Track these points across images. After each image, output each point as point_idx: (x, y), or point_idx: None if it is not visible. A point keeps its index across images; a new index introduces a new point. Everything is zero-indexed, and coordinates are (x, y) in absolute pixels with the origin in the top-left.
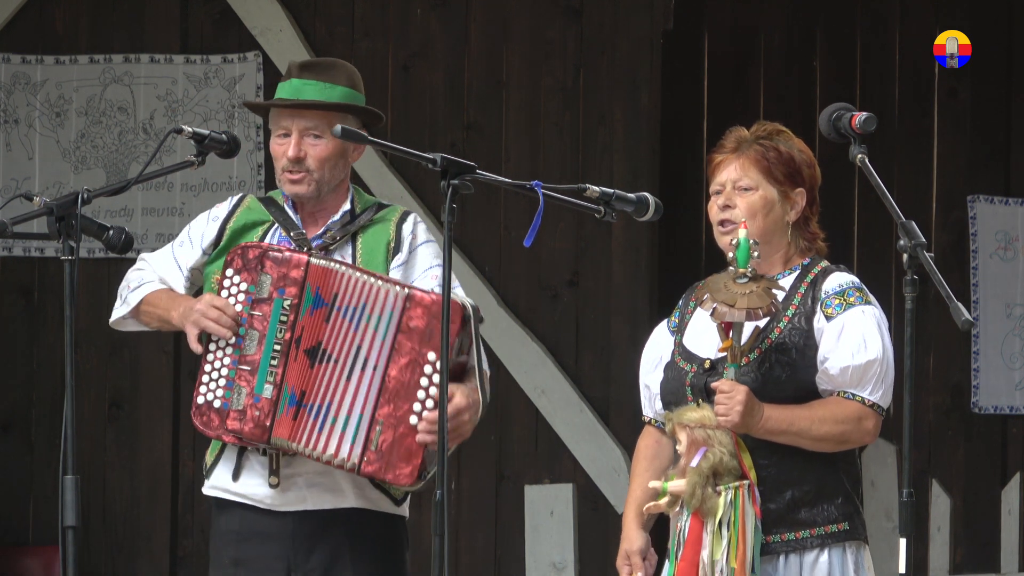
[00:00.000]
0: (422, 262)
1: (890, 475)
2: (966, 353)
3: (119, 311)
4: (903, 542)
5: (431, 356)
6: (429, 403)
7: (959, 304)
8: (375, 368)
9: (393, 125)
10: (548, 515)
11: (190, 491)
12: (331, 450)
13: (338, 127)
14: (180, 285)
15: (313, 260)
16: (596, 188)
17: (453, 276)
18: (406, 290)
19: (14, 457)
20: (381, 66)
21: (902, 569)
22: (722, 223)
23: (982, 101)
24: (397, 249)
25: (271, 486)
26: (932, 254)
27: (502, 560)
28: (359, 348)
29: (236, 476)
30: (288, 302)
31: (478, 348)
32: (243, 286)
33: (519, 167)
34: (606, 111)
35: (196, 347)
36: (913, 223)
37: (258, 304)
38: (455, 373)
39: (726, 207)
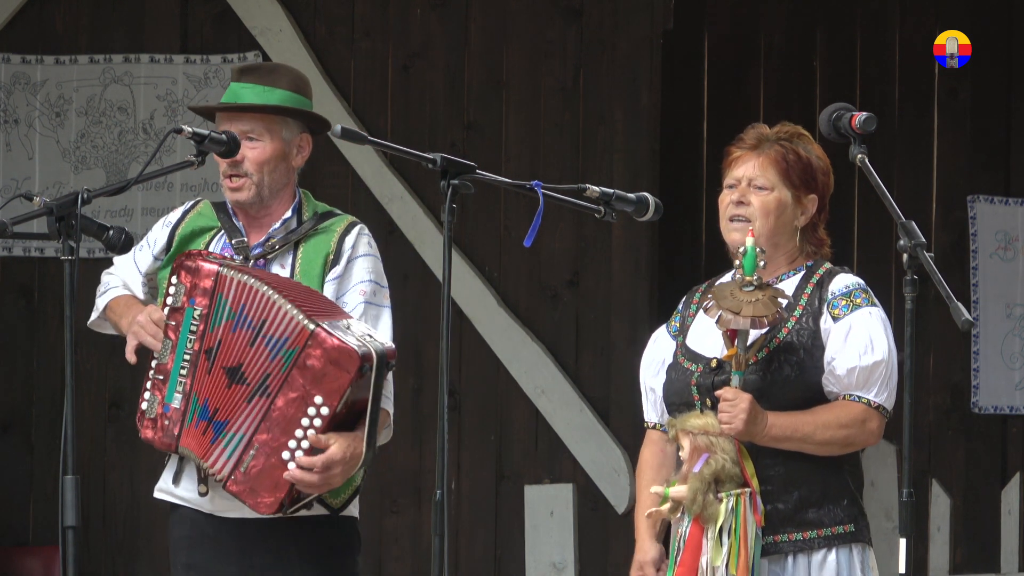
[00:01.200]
0: (355, 275)
1: (890, 475)
2: (966, 353)
3: (92, 315)
4: (903, 542)
5: (318, 399)
6: (305, 443)
7: (959, 304)
8: (268, 394)
9: (393, 125)
10: (548, 515)
11: None
12: (211, 461)
13: (338, 127)
14: (139, 290)
15: (224, 271)
16: (596, 188)
17: (388, 321)
18: (312, 326)
19: (14, 457)
20: (381, 66)
21: (902, 569)
22: (733, 218)
23: (982, 101)
24: (335, 262)
25: (200, 494)
26: (932, 254)
27: (502, 560)
28: (268, 374)
29: (176, 480)
30: (198, 312)
31: (376, 396)
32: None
33: (519, 167)
34: (606, 111)
35: (131, 358)
36: (913, 223)
37: (173, 313)
38: (349, 416)
39: (739, 203)
